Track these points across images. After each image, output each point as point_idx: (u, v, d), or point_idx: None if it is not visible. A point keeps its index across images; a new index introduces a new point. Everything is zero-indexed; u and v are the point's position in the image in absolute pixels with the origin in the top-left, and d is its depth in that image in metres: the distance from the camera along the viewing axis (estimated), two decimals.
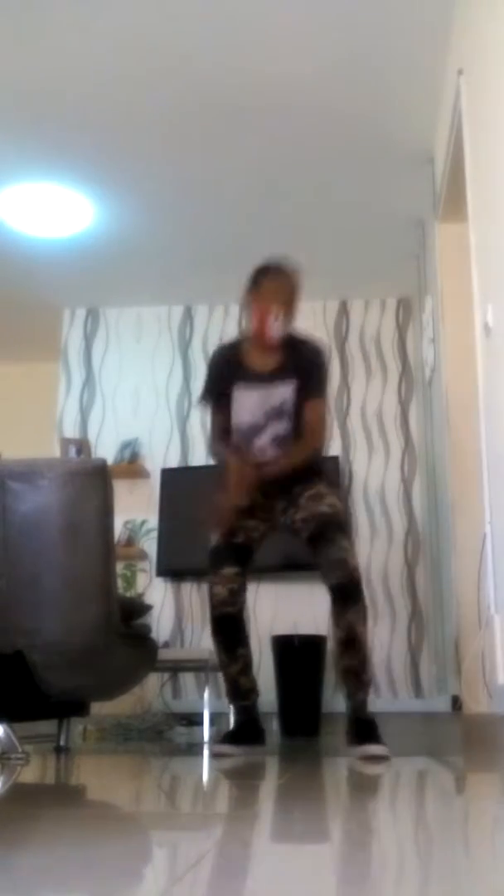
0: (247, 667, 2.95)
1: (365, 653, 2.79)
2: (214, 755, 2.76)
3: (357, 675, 2.79)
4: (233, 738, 2.88)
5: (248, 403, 2.99)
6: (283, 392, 2.96)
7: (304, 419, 2.94)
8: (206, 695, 4.00)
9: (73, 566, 2.58)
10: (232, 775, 2.25)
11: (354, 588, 2.77)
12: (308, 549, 2.89)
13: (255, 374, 3.00)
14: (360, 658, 2.78)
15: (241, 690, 2.95)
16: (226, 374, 3.05)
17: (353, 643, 2.77)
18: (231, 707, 3.05)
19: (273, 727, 4.41)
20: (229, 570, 2.92)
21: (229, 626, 2.92)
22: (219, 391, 3.06)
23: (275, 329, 2.94)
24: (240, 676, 2.93)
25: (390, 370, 5.68)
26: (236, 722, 3.00)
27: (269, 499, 2.95)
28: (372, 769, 2.27)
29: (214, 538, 2.99)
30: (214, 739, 2.92)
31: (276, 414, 2.96)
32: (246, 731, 2.91)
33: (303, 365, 2.99)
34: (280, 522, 2.97)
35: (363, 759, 2.56)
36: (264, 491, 2.92)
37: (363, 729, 2.73)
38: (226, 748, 2.80)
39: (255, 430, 2.97)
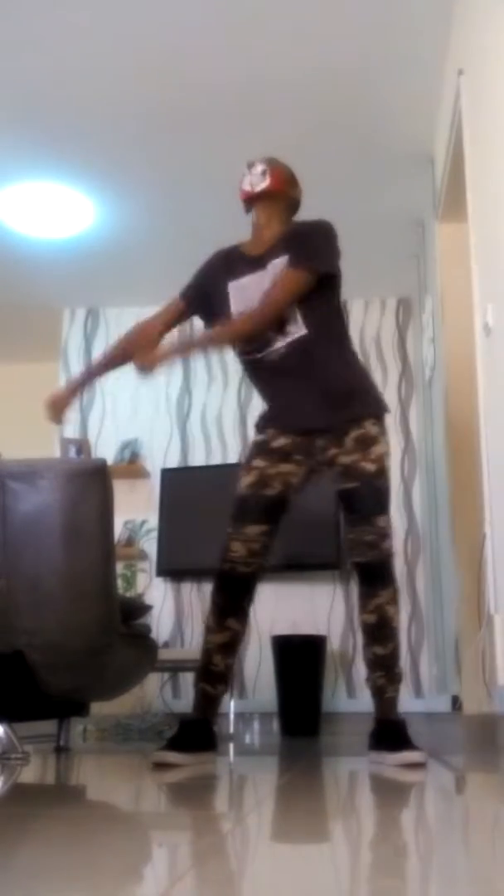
0: (229, 646, 2.53)
1: (397, 642, 2.51)
2: (155, 764, 2.36)
3: (388, 668, 2.50)
4: (178, 743, 2.42)
5: (245, 296, 2.64)
6: (271, 270, 2.62)
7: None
8: None
9: (73, 566, 2.58)
10: (231, 775, 2.24)
11: (384, 568, 2.51)
12: (339, 504, 2.59)
13: (249, 261, 2.69)
14: (391, 647, 2.49)
15: (210, 671, 2.53)
16: (216, 273, 2.74)
17: (383, 629, 2.49)
18: (193, 692, 2.58)
19: (273, 727, 4.41)
20: (254, 529, 2.54)
21: (235, 588, 2.54)
22: (202, 290, 2.76)
23: (254, 178, 2.71)
24: (217, 652, 2.52)
25: (390, 370, 5.68)
26: (186, 721, 2.54)
27: (307, 436, 2.59)
28: (408, 777, 2.07)
29: (240, 486, 2.58)
30: (158, 746, 2.47)
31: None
32: (194, 735, 2.47)
33: (294, 238, 2.65)
34: (321, 460, 2.60)
35: (398, 767, 2.28)
36: (302, 428, 2.59)
37: (393, 732, 2.43)
38: (170, 756, 2.37)
39: None
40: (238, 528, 2.55)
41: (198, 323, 2.93)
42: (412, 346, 5.65)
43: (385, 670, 2.50)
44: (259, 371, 2.69)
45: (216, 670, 2.54)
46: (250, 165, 2.75)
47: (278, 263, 2.62)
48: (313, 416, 2.59)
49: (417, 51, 3.63)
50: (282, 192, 2.73)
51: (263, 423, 2.68)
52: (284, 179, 2.75)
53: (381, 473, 2.56)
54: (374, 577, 2.50)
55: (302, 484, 2.62)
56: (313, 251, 2.62)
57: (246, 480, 2.59)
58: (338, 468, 2.56)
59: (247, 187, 2.73)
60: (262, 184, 2.70)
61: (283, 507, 2.59)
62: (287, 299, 2.57)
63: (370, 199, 4.68)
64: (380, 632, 2.49)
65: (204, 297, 2.77)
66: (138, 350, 2.61)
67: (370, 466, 2.54)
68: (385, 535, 2.53)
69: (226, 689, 2.59)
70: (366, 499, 2.52)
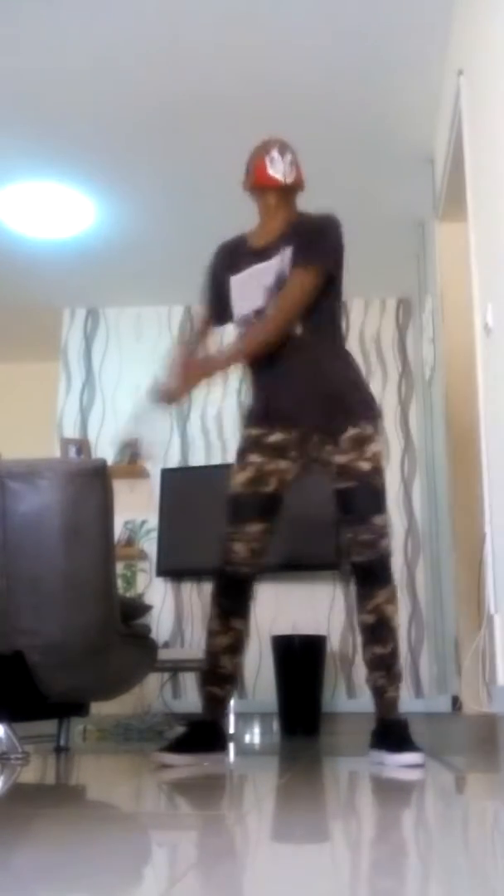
0: (235, 646, 2.51)
1: (396, 641, 2.47)
2: (156, 765, 2.34)
3: (388, 668, 2.45)
4: (182, 744, 2.42)
5: (246, 289, 2.59)
6: (276, 264, 2.54)
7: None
8: None
9: (73, 566, 2.58)
10: (231, 775, 2.24)
11: (382, 568, 2.47)
12: (335, 504, 2.53)
13: (252, 253, 2.60)
14: (391, 647, 2.46)
15: (218, 674, 2.50)
16: (221, 268, 2.68)
17: (382, 628, 2.45)
18: (199, 695, 2.54)
19: (273, 727, 4.40)
20: (254, 528, 2.50)
21: (238, 589, 2.51)
22: (216, 291, 2.68)
23: (286, 168, 2.56)
24: (224, 654, 2.49)
25: (390, 370, 5.68)
26: (193, 723, 2.53)
27: (302, 433, 2.53)
28: (408, 777, 2.07)
29: (235, 483, 2.53)
30: (160, 747, 2.44)
31: (273, 292, 2.54)
32: (201, 736, 2.46)
33: (301, 231, 2.55)
34: (315, 457, 2.54)
35: (398, 767, 2.25)
36: (298, 425, 2.52)
37: (395, 733, 2.40)
38: (168, 758, 2.35)
39: (260, 315, 2.56)
40: (238, 527, 2.50)
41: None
42: (412, 346, 5.65)
43: (385, 670, 2.47)
44: (254, 363, 2.62)
45: (224, 672, 2.51)
46: (282, 152, 2.59)
47: (285, 255, 2.54)
48: (309, 414, 2.54)
49: (417, 51, 3.63)
50: (299, 189, 2.67)
51: (256, 418, 2.61)
52: (302, 174, 2.67)
53: (377, 472, 2.52)
54: (372, 576, 2.47)
55: (294, 481, 2.58)
56: (323, 250, 2.55)
57: (241, 477, 2.54)
58: (333, 468, 2.50)
59: (278, 175, 2.57)
60: (292, 176, 2.60)
61: (278, 505, 2.55)
62: (301, 301, 2.51)
63: (371, 199, 4.68)
64: (379, 631, 2.46)
65: (220, 298, 2.69)
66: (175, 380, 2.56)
67: (366, 465, 2.50)
68: (383, 534, 2.50)
69: (234, 687, 2.58)
70: (362, 498, 2.49)
